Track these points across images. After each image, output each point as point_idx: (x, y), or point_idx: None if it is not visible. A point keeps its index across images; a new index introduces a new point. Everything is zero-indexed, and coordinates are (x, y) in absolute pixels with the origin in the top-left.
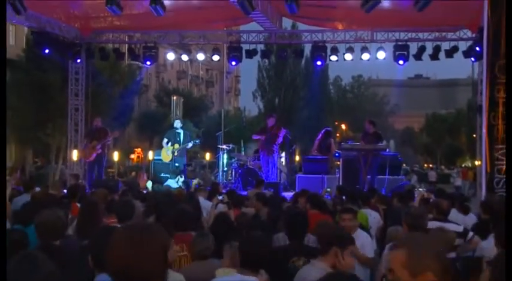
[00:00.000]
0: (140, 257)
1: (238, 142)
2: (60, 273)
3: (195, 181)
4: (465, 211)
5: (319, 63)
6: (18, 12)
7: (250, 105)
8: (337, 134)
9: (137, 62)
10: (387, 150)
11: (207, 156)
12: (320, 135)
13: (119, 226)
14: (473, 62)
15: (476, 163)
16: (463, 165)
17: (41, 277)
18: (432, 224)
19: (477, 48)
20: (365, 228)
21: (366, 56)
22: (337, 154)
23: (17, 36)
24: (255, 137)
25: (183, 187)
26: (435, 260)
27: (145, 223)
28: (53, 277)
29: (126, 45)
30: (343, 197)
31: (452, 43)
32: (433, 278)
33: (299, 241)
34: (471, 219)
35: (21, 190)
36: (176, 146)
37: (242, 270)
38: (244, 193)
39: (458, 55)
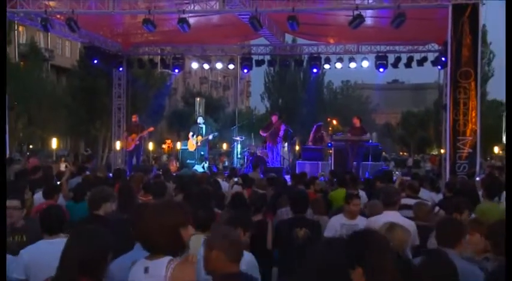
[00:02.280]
0: (149, 228)
1: (249, 135)
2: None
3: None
4: (437, 190)
5: (315, 70)
6: (73, 31)
7: (259, 105)
8: (330, 128)
9: (167, 70)
10: (370, 141)
11: (224, 146)
12: (314, 129)
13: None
14: (439, 69)
15: (442, 151)
16: (432, 153)
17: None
18: (406, 201)
19: (443, 59)
20: None
21: (352, 65)
22: (329, 144)
23: (72, 49)
24: (262, 133)
25: (207, 171)
26: (221, 240)
27: (162, 202)
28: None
29: (159, 56)
30: (334, 180)
31: (423, 54)
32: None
33: (301, 215)
34: (438, 196)
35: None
36: (199, 137)
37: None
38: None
39: (428, 64)
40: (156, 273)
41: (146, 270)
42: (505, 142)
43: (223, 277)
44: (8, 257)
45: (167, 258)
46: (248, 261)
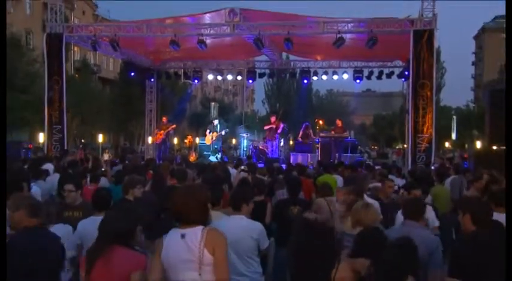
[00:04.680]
0: (186, 204)
1: (253, 132)
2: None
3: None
4: (402, 176)
5: (305, 81)
6: (115, 50)
7: (261, 108)
8: (317, 127)
9: (189, 80)
10: (349, 137)
11: (233, 141)
12: (303, 127)
13: (178, 185)
14: (403, 81)
15: (405, 145)
16: (397, 147)
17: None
18: (377, 184)
19: (406, 72)
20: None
21: (335, 77)
22: (317, 140)
23: (114, 64)
24: (266, 127)
25: (220, 161)
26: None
27: (193, 185)
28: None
29: (182, 69)
30: (321, 167)
31: (390, 69)
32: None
33: (295, 196)
34: (402, 181)
35: (116, 162)
36: (214, 134)
37: None
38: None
39: (394, 76)
40: (193, 238)
41: (183, 236)
42: (502, 142)
43: (26, 229)
44: (67, 229)
45: (201, 226)
46: (260, 230)
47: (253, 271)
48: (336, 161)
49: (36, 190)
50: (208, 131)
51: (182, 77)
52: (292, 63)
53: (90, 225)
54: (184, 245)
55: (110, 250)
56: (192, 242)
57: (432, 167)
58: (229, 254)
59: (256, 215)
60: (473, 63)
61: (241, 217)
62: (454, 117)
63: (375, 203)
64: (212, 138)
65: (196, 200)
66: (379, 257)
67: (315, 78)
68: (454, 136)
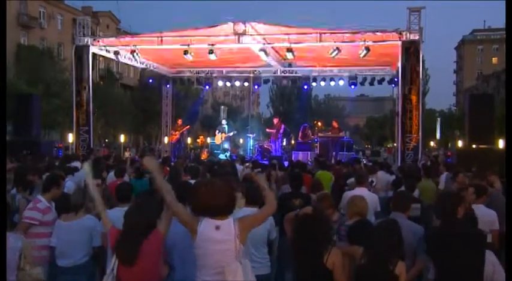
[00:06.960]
0: (217, 199)
1: (258, 132)
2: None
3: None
4: (391, 173)
5: (305, 87)
6: (135, 59)
7: (265, 111)
8: (316, 128)
9: (201, 86)
10: (344, 137)
11: (240, 141)
12: (301, 128)
13: (191, 181)
14: (393, 87)
15: (395, 144)
16: (388, 145)
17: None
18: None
19: (395, 79)
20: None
21: (332, 83)
22: (316, 140)
23: (134, 72)
24: (268, 130)
25: (229, 159)
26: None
27: (217, 180)
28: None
29: (195, 76)
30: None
31: (382, 76)
32: None
33: (297, 190)
34: (392, 177)
35: (137, 159)
36: (223, 134)
37: None
38: (262, 161)
39: (385, 83)
40: (228, 229)
41: (218, 228)
42: (502, 143)
43: None
44: (95, 220)
45: (231, 218)
46: (271, 222)
47: (263, 258)
48: (333, 161)
49: (70, 184)
50: (217, 131)
51: (195, 83)
52: (293, 71)
53: (114, 216)
54: (219, 236)
55: (143, 240)
56: (227, 234)
57: (419, 164)
58: (247, 244)
59: (263, 206)
60: (454, 71)
61: (254, 210)
62: (438, 119)
63: (374, 197)
64: (221, 138)
65: (226, 193)
66: (369, 244)
67: (314, 84)
68: (438, 136)
